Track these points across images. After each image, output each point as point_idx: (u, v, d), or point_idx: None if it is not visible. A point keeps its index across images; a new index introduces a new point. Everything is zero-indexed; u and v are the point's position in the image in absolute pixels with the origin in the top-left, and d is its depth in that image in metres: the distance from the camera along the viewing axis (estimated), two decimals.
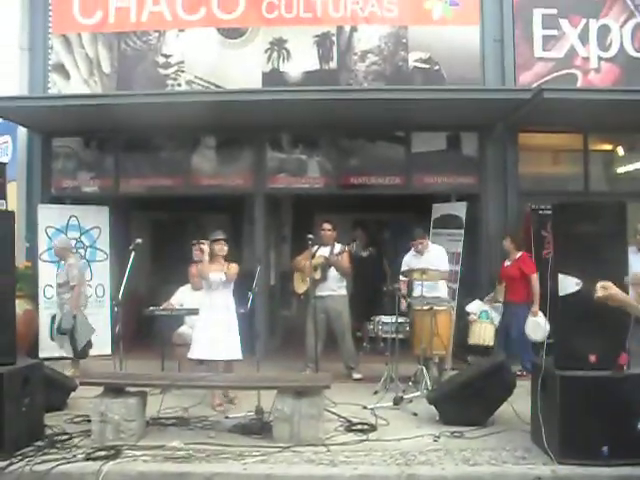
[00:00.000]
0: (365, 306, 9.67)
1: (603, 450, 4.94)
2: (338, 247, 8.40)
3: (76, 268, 8.41)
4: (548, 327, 8.02)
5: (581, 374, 5.10)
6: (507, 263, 8.45)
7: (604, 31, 9.71)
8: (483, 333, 8.27)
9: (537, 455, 5.29)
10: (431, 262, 7.98)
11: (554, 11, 9.70)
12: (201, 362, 7.15)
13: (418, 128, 9.81)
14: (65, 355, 8.28)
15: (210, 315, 6.84)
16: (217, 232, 7.14)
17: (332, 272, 8.37)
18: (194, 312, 7.41)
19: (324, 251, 8.40)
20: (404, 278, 8.13)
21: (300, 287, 8.64)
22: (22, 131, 10.07)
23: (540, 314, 8.00)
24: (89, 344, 8.31)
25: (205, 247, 6.88)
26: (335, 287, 8.41)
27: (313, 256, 8.20)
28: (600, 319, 5.11)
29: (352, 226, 11.09)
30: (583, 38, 9.70)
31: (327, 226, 8.53)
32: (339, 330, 8.44)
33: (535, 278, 8.10)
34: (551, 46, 9.71)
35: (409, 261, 8.22)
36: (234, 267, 6.93)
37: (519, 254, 8.34)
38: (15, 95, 9.59)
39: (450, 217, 9.78)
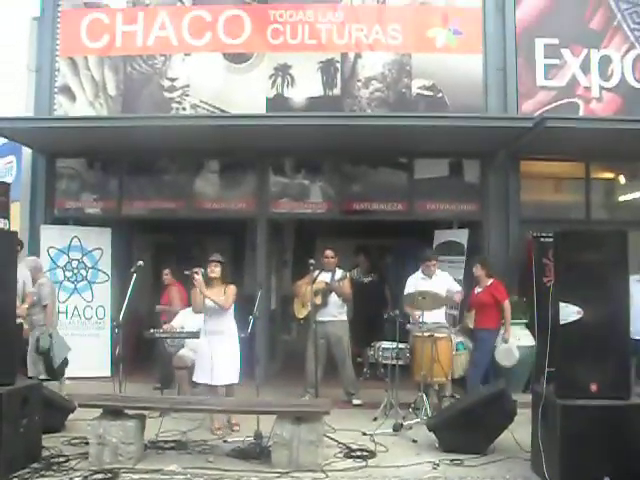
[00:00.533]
0: (366, 332, 9.64)
1: None
2: (339, 273, 8.40)
3: (48, 287, 8.34)
4: (517, 354, 8.13)
5: (582, 403, 5.08)
6: (478, 290, 8.36)
7: (605, 61, 9.80)
8: (465, 364, 8.24)
9: None
10: (438, 287, 7.99)
11: (556, 41, 9.79)
12: (195, 385, 7.17)
13: (421, 155, 9.86)
14: (42, 377, 8.12)
15: (208, 340, 6.87)
16: (214, 254, 7.17)
17: (333, 297, 8.36)
18: (195, 335, 7.42)
19: (325, 276, 8.40)
20: (409, 305, 8.12)
21: (300, 312, 8.63)
22: (27, 152, 10.13)
23: (511, 341, 8.13)
24: (65, 362, 8.21)
25: (198, 276, 6.81)
26: (336, 312, 8.40)
27: (314, 281, 8.20)
28: (601, 348, 5.12)
29: (354, 251, 11.08)
30: (585, 68, 9.78)
31: (330, 253, 8.53)
32: (339, 356, 8.42)
33: (507, 305, 8.11)
34: (553, 75, 9.78)
35: (416, 284, 8.19)
36: (231, 290, 6.94)
37: (490, 281, 8.28)
38: (21, 116, 9.66)
39: (452, 244, 9.80)
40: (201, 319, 7.19)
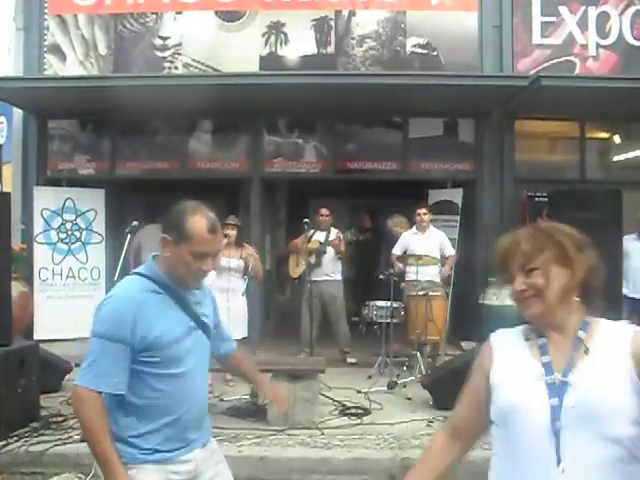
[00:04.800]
0: (362, 290, 9.70)
1: None
2: (334, 233, 8.42)
3: None
4: None
5: None
6: None
7: (603, 18, 9.68)
8: None
9: None
10: (432, 244, 8.03)
11: None
12: None
13: (415, 114, 9.79)
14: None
15: (224, 298, 6.91)
16: (230, 217, 7.24)
17: (327, 257, 8.39)
18: None
19: (320, 236, 8.42)
20: (397, 253, 8.18)
21: (295, 271, 8.67)
22: (17, 112, 10.00)
23: None
24: None
25: (233, 233, 7.06)
26: (330, 272, 8.44)
27: (309, 240, 8.21)
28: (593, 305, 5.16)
29: (350, 211, 11.09)
30: (582, 25, 9.67)
31: (324, 211, 8.55)
32: (334, 315, 8.48)
33: None
34: (550, 33, 9.67)
35: (408, 240, 8.22)
36: (253, 254, 7.17)
37: None
38: (10, 76, 9.53)
39: (446, 203, 9.79)
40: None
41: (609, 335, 1.81)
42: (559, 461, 1.71)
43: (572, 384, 1.74)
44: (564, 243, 1.90)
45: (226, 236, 7.00)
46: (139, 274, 2.54)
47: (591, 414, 1.69)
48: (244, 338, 7.16)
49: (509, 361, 1.90)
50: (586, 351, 1.78)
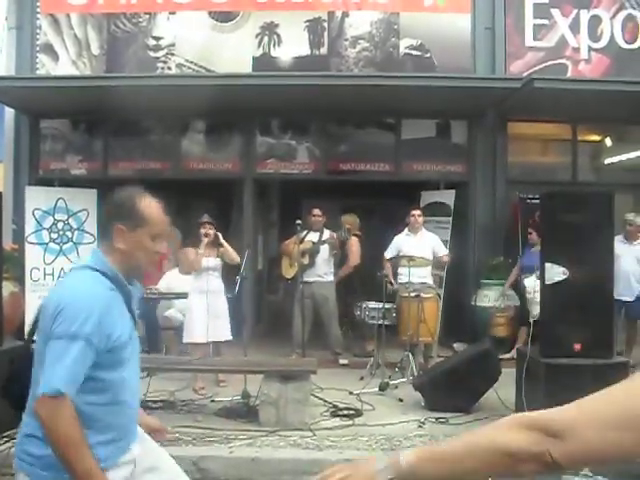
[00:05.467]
0: (354, 292, 9.69)
1: None
2: (327, 233, 8.42)
3: None
4: None
5: (566, 362, 5.15)
6: None
7: (595, 22, 9.72)
8: None
9: None
10: (424, 246, 8.04)
11: (546, 0, 9.70)
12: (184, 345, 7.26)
13: (408, 115, 9.81)
14: None
15: (204, 299, 6.92)
16: (204, 215, 7.20)
17: (320, 258, 8.38)
18: (182, 296, 7.46)
19: (313, 236, 8.42)
20: (388, 256, 8.19)
21: (288, 272, 8.66)
22: (9, 112, 9.95)
23: None
24: None
25: (212, 232, 7.01)
26: (323, 273, 8.43)
27: (302, 241, 8.20)
28: (585, 308, 5.18)
29: (342, 211, 11.08)
30: (574, 28, 9.70)
31: (317, 212, 8.54)
32: (326, 316, 8.47)
33: None
34: (542, 36, 9.71)
35: (401, 242, 8.23)
36: (228, 247, 7.14)
37: None
38: (2, 75, 9.49)
39: (439, 205, 9.81)
40: (187, 280, 7.26)
41: None
42: None
43: None
44: None
45: (206, 235, 7.00)
46: (91, 268, 2.38)
47: None
48: (227, 341, 7.15)
49: None
50: None
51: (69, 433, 2.13)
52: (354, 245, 8.99)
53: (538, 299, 8.24)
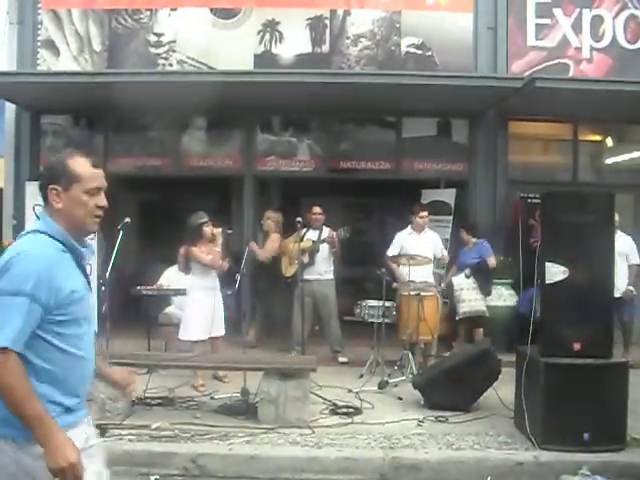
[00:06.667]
0: (354, 290, 9.71)
1: (585, 436, 5.00)
2: (327, 231, 8.41)
3: None
4: None
5: (565, 361, 5.14)
6: None
7: (597, 21, 9.72)
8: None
9: (520, 441, 5.34)
10: (427, 245, 8.05)
11: None
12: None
13: (409, 114, 9.81)
14: None
15: (207, 295, 7.03)
16: (202, 216, 7.19)
17: (320, 256, 8.38)
18: (181, 292, 7.46)
19: (313, 234, 8.41)
20: (391, 254, 8.21)
21: (288, 270, 8.66)
22: (10, 107, 9.94)
23: None
24: None
25: (217, 231, 7.14)
26: (322, 271, 8.43)
27: (301, 239, 8.20)
28: (585, 307, 5.17)
29: (343, 210, 11.11)
30: (576, 28, 9.70)
31: (317, 210, 8.54)
32: (326, 314, 8.47)
33: None
34: (544, 35, 9.70)
35: (403, 240, 8.23)
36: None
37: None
38: (3, 70, 9.48)
39: (439, 203, 9.81)
40: (186, 278, 7.32)
41: None
42: None
43: None
44: None
45: (213, 234, 7.12)
46: (39, 231, 2.41)
47: None
48: (220, 337, 7.20)
49: None
50: None
51: (16, 384, 2.17)
52: (274, 241, 9.00)
53: (464, 297, 8.39)
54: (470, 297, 8.43)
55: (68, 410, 2.37)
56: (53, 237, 2.40)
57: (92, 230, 2.54)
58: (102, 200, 2.51)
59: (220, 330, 7.13)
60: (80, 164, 2.44)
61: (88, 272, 2.58)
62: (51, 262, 2.32)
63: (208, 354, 6.91)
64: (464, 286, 8.50)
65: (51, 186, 2.43)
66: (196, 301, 7.08)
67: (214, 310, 6.98)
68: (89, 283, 2.55)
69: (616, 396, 5.08)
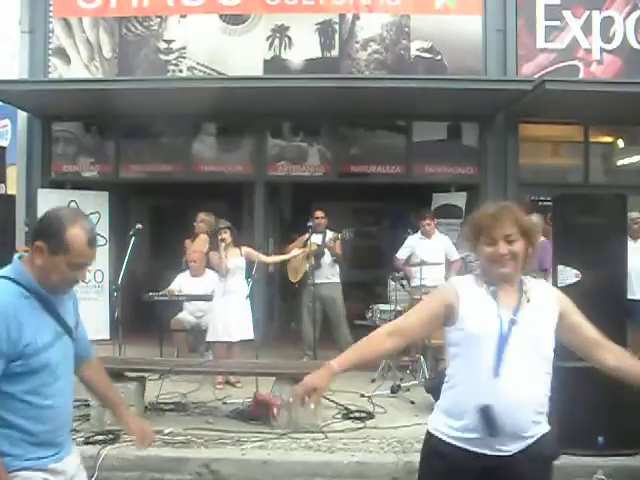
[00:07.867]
0: (365, 294, 9.69)
1: (599, 440, 4.97)
2: (330, 234, 8.42)
3: None
4: None
5: (579, 364, 5.09)
6: None
7: (607, 23, 9.68)
8: None
9: None
10: (438, 249, 8.04)
11: (557, 1, 9.66)
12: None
13: (419, 117, 9.80)
14: None
15: (227, 300, 7.27)
16: (221, 221, 7.46)
17: (325, 260, 8.38)
18: (193, 298, 7.52)
19: (317, 238, 8.42)
20: (401, 257, 8.21)
21: (293, 276, 8.66)
22: (22, 115, 10.01)
23: None
24: None
25: (227, 236, 7.33)
26: (329, 275, 8.43)
27: (305, 244, 8.22)
28: (597, 310, 5.14)
29: (353, 214, 11.10)
30: (586, 29, 9.66)
31: (319, 214, 8.57)
32: (334, 317, 8.46)
33: None
34: (554, 37, 9.67)
35: (414, 245, 8.23)
36: (251, 249, 7.72)
37: None
38: (15, 78, 9.55)
39: (450, 207, 9.78)
40: (198, 282, 7.50)
41: (540, 289, 2.64)
42: (499, 372, 2.44)
43: (518, 320, 2.49)
44: (527, 223, 2.60)
45: (222, 240, 7.28)
46: (6, 277, 2.34)
47: (532, 341, 2.49)
48: (248, 340, 7.27)
49: (472, 299, 2.54)
50: (528, 299, 2.55)
51: None
52: (203, 241, 8.99)
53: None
54: None
55: (32, 454, 2.31)
56: (19, 283, 2.33)
57: (65, 293, 2.49)
58: (83, 275, 2.46)
59: (236, 335, 7.24)
60: (76, 236, 2.35)
61: (68, 313, 2.52)
62: (12, 312, 2.26)
63: (219, 359, 6.93)
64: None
65: (38, 242, 2.34)
66: (213, 305, 7.43)
67: (228, 314, 7.07)
68: (64, 325, 2.47)
69: (630, 399, 5.04)
